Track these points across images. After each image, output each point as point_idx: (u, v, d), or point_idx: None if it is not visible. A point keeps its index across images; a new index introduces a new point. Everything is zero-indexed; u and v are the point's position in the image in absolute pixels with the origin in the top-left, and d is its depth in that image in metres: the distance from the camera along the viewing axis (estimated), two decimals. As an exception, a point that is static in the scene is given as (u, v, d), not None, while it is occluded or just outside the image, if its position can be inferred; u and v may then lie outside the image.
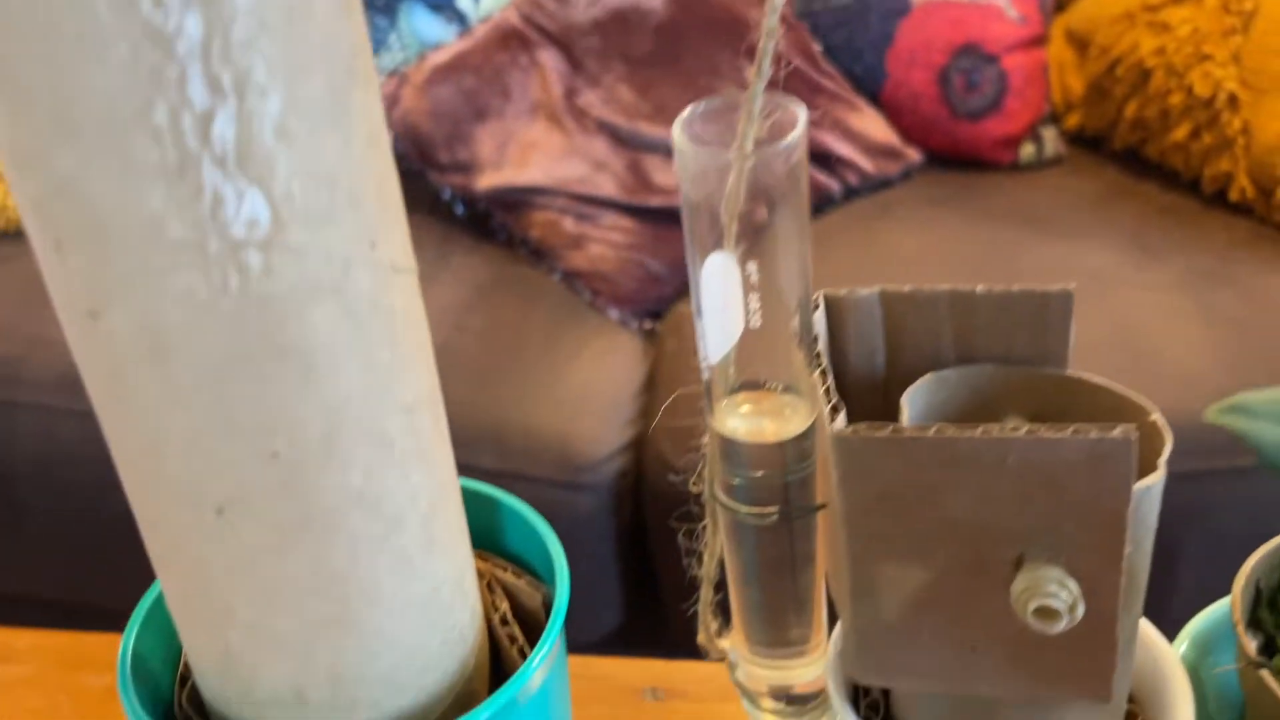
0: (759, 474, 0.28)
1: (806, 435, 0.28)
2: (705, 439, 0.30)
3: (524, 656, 0.25)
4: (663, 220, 1.09)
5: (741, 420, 0.28)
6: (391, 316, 0.21)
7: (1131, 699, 0.31)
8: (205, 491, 0.20)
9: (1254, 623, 0.32)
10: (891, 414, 0.27)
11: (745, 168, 0.26)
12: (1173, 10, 1.09)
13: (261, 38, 0.17)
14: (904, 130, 1.21)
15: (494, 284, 1.08)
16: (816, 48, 1.20)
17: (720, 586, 0.33)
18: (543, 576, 0.28)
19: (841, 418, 0.26)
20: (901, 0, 1.19)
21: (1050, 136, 1.21)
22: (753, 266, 0.27)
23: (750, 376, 0.28)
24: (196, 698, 0.25)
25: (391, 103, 1.10)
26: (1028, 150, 1.20)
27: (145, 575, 0.23)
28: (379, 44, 1.14)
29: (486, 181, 1.11)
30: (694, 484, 0.31)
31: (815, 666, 0.33)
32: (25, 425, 0.96)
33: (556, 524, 0.29)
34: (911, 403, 0.28)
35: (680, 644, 0.50)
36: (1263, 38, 1.03)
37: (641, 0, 1.14)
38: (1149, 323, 0.95)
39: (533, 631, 0.26)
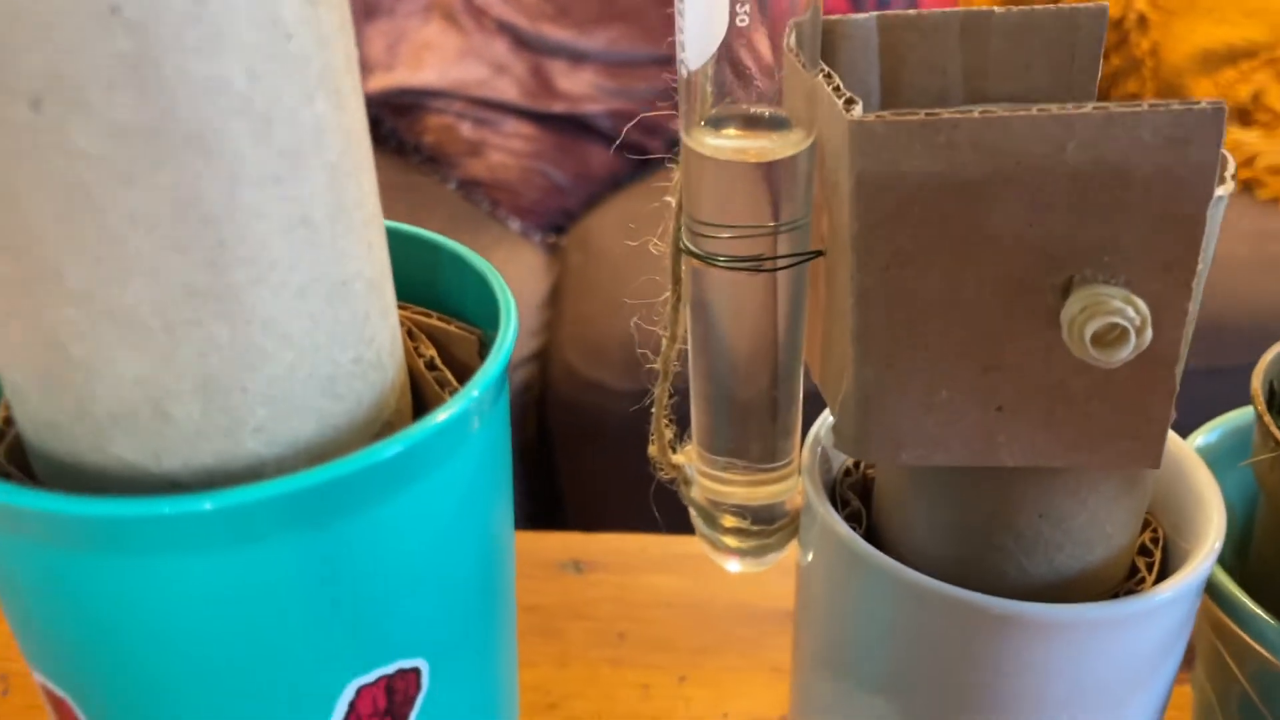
0: (740, 207, 0.23)
1: (801, 162, 0.23)
2: (673, 177, 0.24)
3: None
4: (568, 129, 1.03)
5: (723, 140, 0.23)
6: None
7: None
8: (15, 68, 0.14)
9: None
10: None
11: None
12: (1085, -69, 1.08)
13: None
14: None
15: (384, 192, 1.01)
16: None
17: (677, 395, 0.28)
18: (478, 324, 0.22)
19: (859, 108, 0.21)
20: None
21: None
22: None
23: (735, 98, 0.23)
24: (19, 455, 0.19)
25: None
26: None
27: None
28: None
29: (376, 84, 1.03)
30: (658, 240, 0.26)
31: (788, 483, 0.29)
32: None
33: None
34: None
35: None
36: (1173, -41, 1.02)
37: (546, -104, 1.08)
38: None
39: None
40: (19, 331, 0.16)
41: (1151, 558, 0.27)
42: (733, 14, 0.22)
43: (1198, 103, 0.19)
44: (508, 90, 1.03)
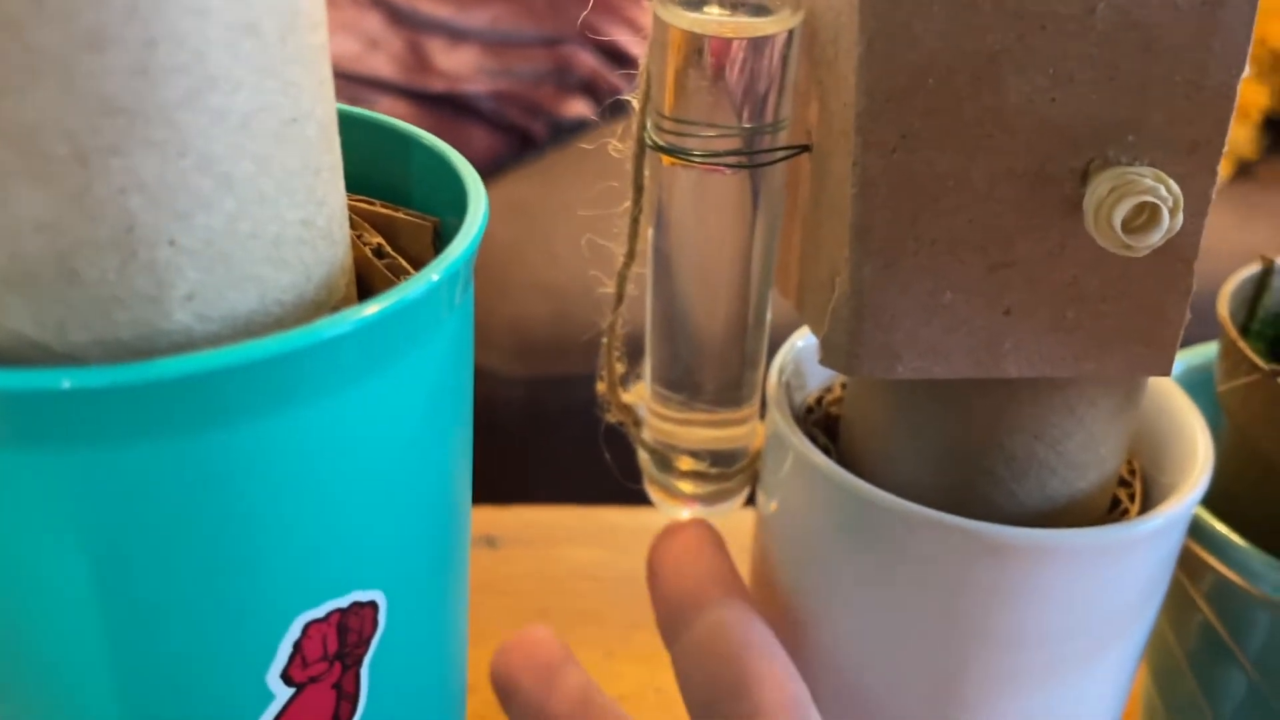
0: (718, 89, 0.21)
1: (788, 44, 0.21)
2: (641, 63, 0.22)
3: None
4: (447, 109, 0.99)
5: (706, 15, 0.20)
6: None
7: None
8: None
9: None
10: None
11: None
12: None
13: None
14: None
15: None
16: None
17: (628, 326, 0.25)
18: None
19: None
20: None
21: None
22: None
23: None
24: None
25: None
26: None
27: None
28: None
29: (241, 57, 0.97)
30: (616, 144, 0.23)
31: (750, 425, 0.26)
32: None
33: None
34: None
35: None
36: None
37: None
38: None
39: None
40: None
41: (1131, 489, 0.25)
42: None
43: (1235, -38, 0.18)
44: (382, 67, 0.98)
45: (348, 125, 0.19)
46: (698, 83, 0.21)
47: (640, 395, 0.27)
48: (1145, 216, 0.18)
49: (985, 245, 0.20)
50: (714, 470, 0.26)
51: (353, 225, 0.18)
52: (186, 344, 0.14)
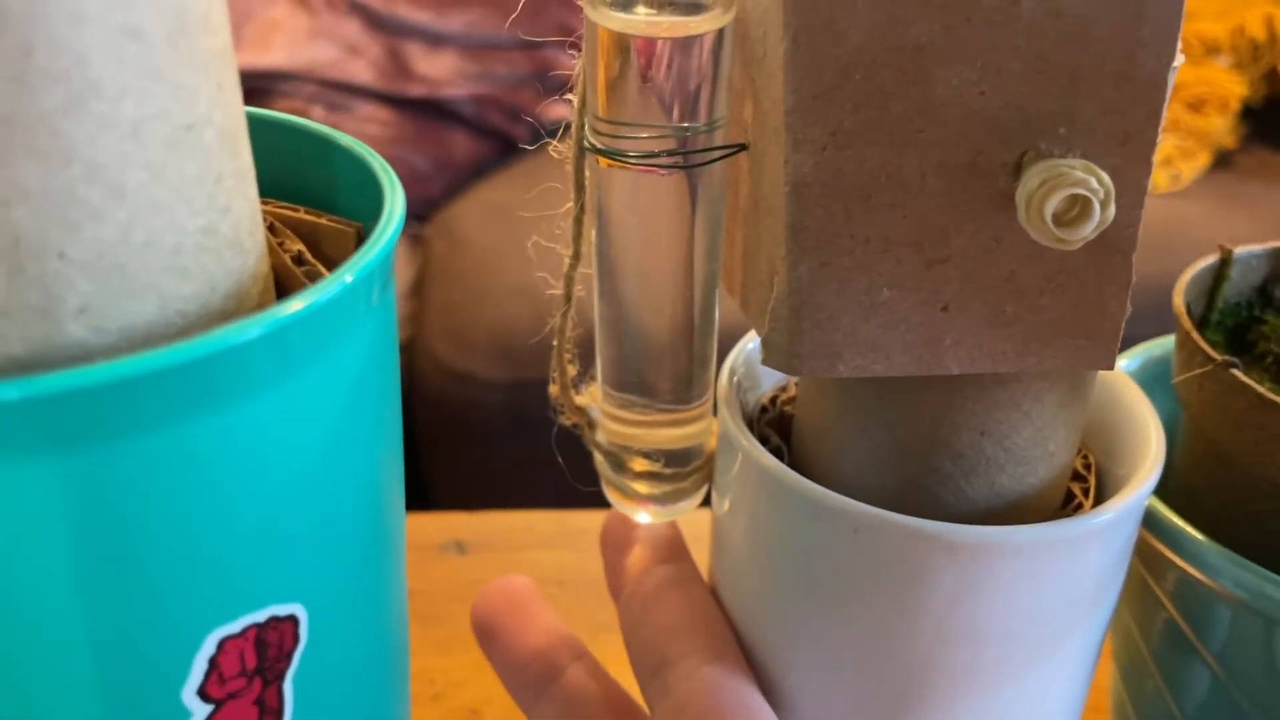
0: (648, 89, 0.20)
1: (720, 42, 0.20)
2: (576, 65, 0.22)
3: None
4: (427, 113, 0.99)
5: (634, 15, 0.20)
6: None
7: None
8: None
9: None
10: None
11: None
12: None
13: None
14: None
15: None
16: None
17: (580, 328, 0.25)
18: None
19: (793, -38, 0.18)
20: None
21: None
22: None
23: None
24: None
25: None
26: None
27: None
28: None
29: (220, 66, 0.97)
30: (557, 144, 0.23)
31: (702, 424, 0.26)
32: None
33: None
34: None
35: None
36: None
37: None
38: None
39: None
40: None
41: (1086, 483, 0.25)
42: None
43: (1161, -51, 0.17)
44: (362, 73, 0.98)
45: (269, 129, 0.18)
46: (628, 84, 0.21)
47: (594, 397, 0.27)
48: (1077, 209, 0.18)
49: (920, 241, 0.19)
50: (669, 471, 0.26)
51: (274, 232, 0.18)
52: (82, 357, 0.13)
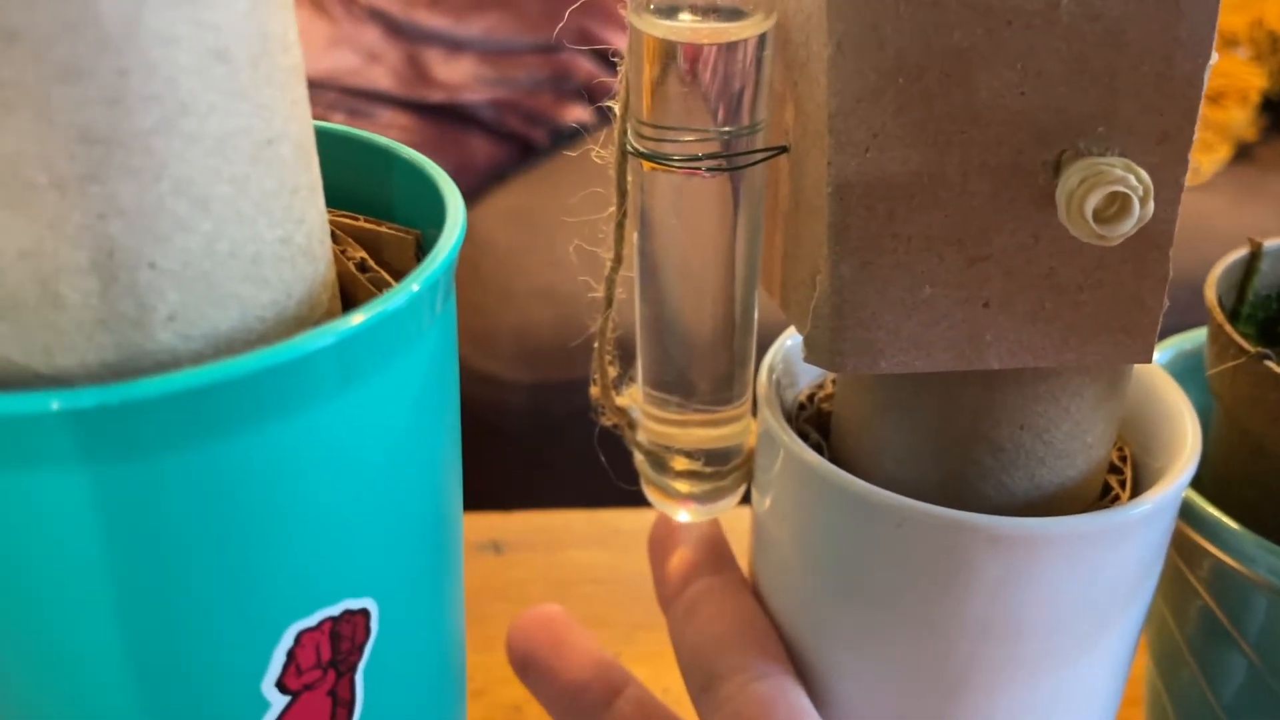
0: (692, 94, 0.21)
1: (762, 48, 0.21)
2: (619, 71, 0.22)
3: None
4: (447, 119, 1.00)
5: (677, 22, 0.21)
6: None
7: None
8: None
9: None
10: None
11: None
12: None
13: None
14: None
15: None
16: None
17: (620, 330, 0.26)
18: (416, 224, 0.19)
19: (836, -30, 0.19)
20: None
21: None
22: None
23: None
24: None
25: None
26: None
27: None
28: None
29: (242, 75, 0.98)
30: (599, 151, 0.23)
31: (742, 424, 0.26)
32: None
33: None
34: None
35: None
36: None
37: (415, -119, 1.04)
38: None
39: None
40: None
41: (1122, 475, 0.26)
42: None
43: (1197, -50, 0.18)
44: (382, 79, 0.99)
45: (330, 142, 0.19)
46: (672, 89, 0.21)
47: (634, 398, 0.27)
48: (1117, 206, 0.18)
49: (962, 240, 0.20)
50: (709, 469, 0.27)
51: (336, 241, 0.19)
52: (171, 363, 0.14)
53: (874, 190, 0.20)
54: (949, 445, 0.23)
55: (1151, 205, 0.18)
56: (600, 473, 0.30)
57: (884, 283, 0.20)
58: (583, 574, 0.40)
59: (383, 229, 0.19)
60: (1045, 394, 0.22)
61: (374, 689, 0.17)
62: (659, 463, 0.27)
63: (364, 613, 0.17)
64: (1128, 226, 0.18)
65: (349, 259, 0.18)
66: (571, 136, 1.01)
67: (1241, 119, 0.91)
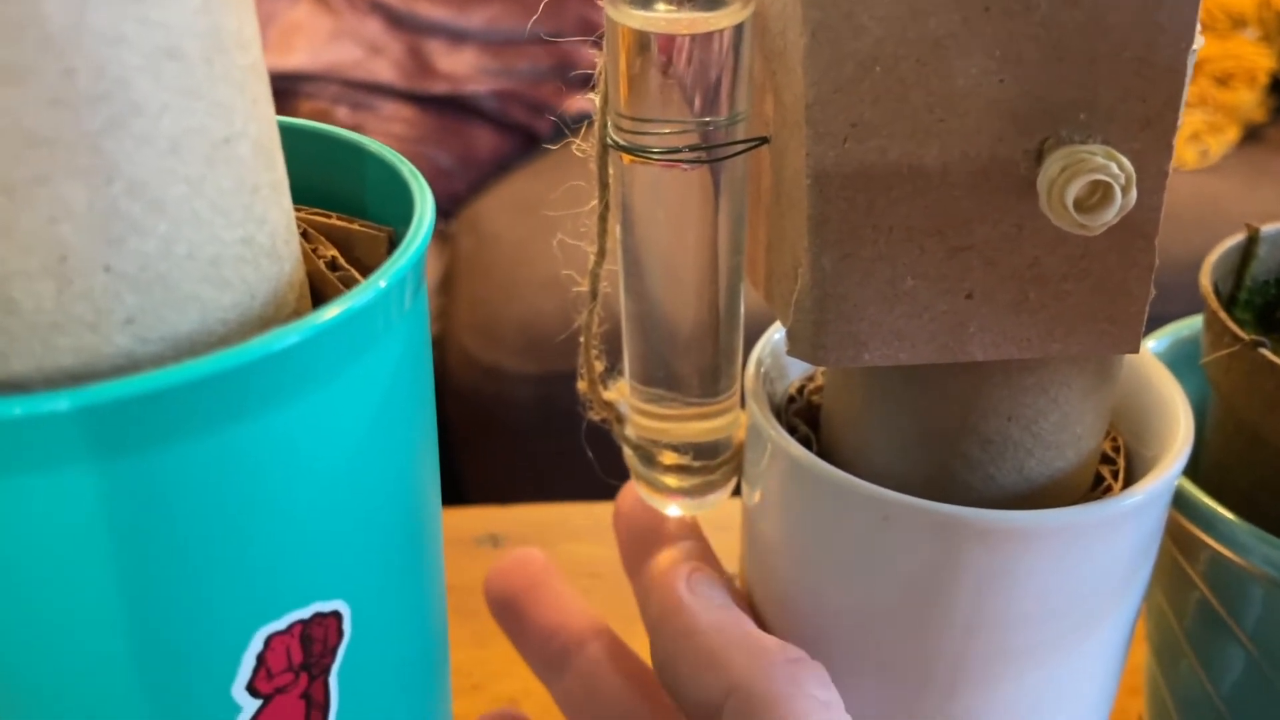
0: (669, 85, 0.21)
1: (739, 37, 0.21)
2: (597, 68, 0.22)
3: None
4: (450, 110, 1.00)
5: (653, 13, 0.20)
6: None
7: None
8: None
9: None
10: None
11: None
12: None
13: None
14: None
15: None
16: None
17: (607, 324, 0.26)
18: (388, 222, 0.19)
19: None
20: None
21: None
22: None
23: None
24: None
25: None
26: None
27: None
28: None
29: (244, 69, 0.98)
30: (581, 142, 0.23)
31: (730, 417, 0.26)
32: None
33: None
34: None
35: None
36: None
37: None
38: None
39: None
40: None
41: (1115, 465, 0.25)
42: None
43: (1177, -66, 0.17)
44: (385, 72, 0.99)
45: (301, 138, 0.19)
46: (650, 80, 0.21)
47: (622, 392, 0.27)
48: (1099, 195, 0.18)
49: (943, 230, 0.20)
50: (697, 464, 0.26)
51: (308, 239, 0.18)
52: (129, 367, 0.14)
53: (853, 181, 0.19)
54: (936, 438, 0.23)
55: (1134, 193, 0.18)
56: (607, 464, 0.30)
57: (865, 274, 0.20)
58: (581, 567, 0.40)
59: (354, 226, 0.19)
60: (1033, 385, 0.22)
61: (350, 691, 0.17)
62: (648, 457, 0.27)
63: (336, 615, 0.16)
64: (1109, 215, 0.18)
65: (320, 257, 0.18)
66: (576, 128, 1.01)
67: (1250, 100, 0.90)
